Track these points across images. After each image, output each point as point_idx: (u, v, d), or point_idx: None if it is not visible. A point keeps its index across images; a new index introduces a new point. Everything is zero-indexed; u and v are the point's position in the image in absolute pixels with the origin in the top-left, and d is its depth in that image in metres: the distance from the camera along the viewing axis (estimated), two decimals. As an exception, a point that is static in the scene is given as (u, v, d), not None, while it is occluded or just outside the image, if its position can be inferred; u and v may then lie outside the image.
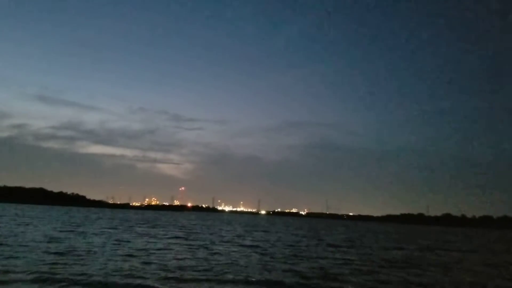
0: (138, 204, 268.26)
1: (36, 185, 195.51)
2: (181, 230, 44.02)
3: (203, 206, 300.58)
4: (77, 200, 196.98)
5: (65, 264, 15.62)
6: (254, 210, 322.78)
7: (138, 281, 13.04)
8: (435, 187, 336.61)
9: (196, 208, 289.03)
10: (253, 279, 14.49)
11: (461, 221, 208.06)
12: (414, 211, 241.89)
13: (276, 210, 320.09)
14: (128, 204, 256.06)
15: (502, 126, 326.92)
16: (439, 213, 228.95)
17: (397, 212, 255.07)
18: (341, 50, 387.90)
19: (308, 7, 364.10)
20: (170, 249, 22.74)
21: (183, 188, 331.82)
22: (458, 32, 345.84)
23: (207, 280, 13.89)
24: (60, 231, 31.60)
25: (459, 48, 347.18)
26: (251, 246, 27.54)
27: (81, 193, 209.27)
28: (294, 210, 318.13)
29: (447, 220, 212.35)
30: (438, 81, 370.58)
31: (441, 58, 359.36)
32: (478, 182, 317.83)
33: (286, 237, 40.30)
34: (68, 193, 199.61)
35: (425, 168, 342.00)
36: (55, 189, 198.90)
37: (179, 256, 19.74)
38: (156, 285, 12.72)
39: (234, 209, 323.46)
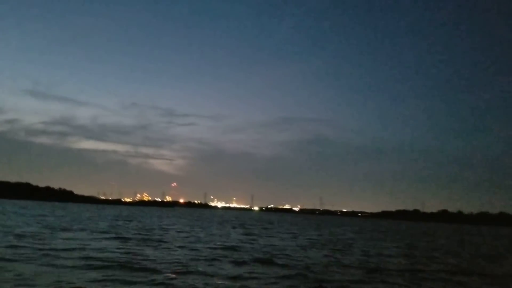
0: (130, 200, 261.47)
1: (26, 180, 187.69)
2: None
3: (195, 202, 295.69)
4: (65, 196, 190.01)
5: None
6: (247, 206, 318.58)
7: None
8: (431, 183, 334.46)
9: (188, 204, 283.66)
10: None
11: (458, 218, 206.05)
12: (409, 207, 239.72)
13: (269, 206, 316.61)
14: (119, 200, 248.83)
15: (500, 125, 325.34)
16: (434, 210, 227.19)
17: (392, 208, 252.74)
18: (336, 44, 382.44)
19: (302, 1, 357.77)
20: None
21: (175, 184, 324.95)
22: (461, 27, 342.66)
23: None
24: None
25: (461, 44, 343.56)
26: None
27: (72, 189, 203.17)
28: (287, 206, 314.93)
29: (443, 216, 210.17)
30: (434, 78, 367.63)
31: (442, 54, 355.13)
32: (474, 179, 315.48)
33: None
34: (55, 188, 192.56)
35: (421, 165, 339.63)
36: (46, 184, 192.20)
37: None
38: None
39: (227, 205, 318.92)
